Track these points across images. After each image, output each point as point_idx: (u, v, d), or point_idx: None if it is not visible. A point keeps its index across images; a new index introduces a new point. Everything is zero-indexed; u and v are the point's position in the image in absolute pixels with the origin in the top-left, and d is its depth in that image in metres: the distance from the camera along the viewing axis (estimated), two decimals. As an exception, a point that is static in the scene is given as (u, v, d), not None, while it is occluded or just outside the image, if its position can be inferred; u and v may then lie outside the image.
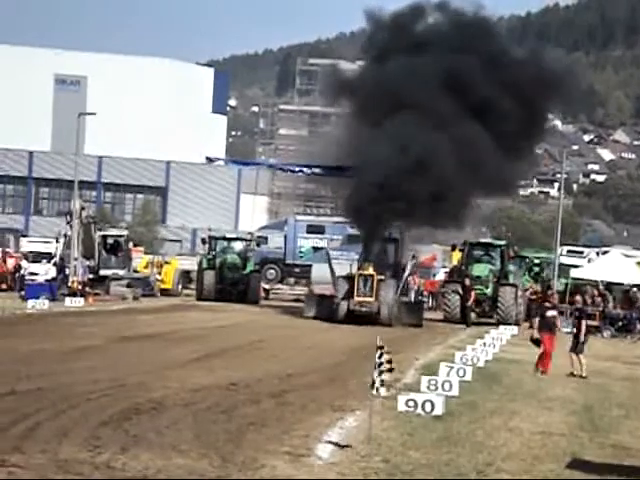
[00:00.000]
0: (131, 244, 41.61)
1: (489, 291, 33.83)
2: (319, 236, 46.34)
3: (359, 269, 30.27)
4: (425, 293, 42.66)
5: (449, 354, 19.46)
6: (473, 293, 32.91)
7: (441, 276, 43.05)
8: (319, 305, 30.92)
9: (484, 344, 20.55)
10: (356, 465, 8.90)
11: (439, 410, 11.77)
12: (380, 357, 9.89)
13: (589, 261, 42.39)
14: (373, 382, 9.95)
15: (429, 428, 11.00)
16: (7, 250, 44.93)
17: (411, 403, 11.81)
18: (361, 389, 13.12)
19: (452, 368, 15.15)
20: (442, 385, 13.48)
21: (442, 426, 11.20)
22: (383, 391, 10.05)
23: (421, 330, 29.18)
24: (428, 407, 11.74)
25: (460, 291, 33.14)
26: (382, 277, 30.25)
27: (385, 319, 29.33)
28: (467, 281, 33.07)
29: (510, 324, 30.05)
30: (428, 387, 13.40)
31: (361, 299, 29.39)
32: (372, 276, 29.70)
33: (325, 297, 31.49)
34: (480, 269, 34.17)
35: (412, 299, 34.94)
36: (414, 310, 31.56)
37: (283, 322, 29.00)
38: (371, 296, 29.41)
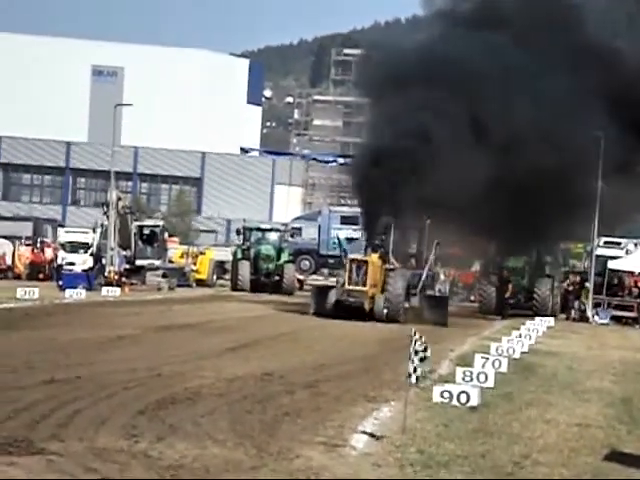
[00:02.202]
0: (166, 234, 41.89)
1: (525, 282, 33.63)
2: (353, 227, 46.33)
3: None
4: (460, 285, 42.50)
5: (484, 345, 19.38)
6: (510, 285, 32.73)
7: (477, 267, 42.86)
8: (319, 298, 27.02)
9: (520, 335, 20.44)
10: (391, 456, 8.90)
11: (474, 401, 11.73)
12: (415, 348, 9.87)
13: (627, 252, 41.94)
14: (410, 373, 9.92)
15: (464, 419, 10.96)
16: (45, 240, 45.42)
17: (446, 394, 11.79)
18: (395, 380, 13.11)
19: (487, 359, 15.08)
20: (477, 376, 13.43)
21: (477, 417, 11.16)
22: (416, 381, 10.02)
23: (455, 321, 28.95)
24: (463, 398, 11.71)
25: (496, 282, 32.97)
26: (392, 266, 26.78)
27: (379, 313, 25.52)
28: (504, 272, 32.90)
29: (546, 315, 29.85)
30: (463, 378, 13.36)
31: (351, 288, 25.68)
32: (366, 262, 25.99)
33: (326, 289, 27.79)
34: (516, 260, 33.98)
35: (439, 292, 31.55)
36: (438, 306, 27.31)
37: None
38: (364, 285, 25.69)
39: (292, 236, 42.97)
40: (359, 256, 26.54)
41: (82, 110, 73.32)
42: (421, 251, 29.58)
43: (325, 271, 47.00)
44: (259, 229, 41.19)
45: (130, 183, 70.67)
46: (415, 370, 9.87)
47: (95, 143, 69.09)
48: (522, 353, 18.40)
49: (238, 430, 9.46)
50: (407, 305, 26.47)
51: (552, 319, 28.91)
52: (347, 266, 26.14)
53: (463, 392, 11.78)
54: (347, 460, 8.62)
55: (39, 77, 71.85)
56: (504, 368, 15.12)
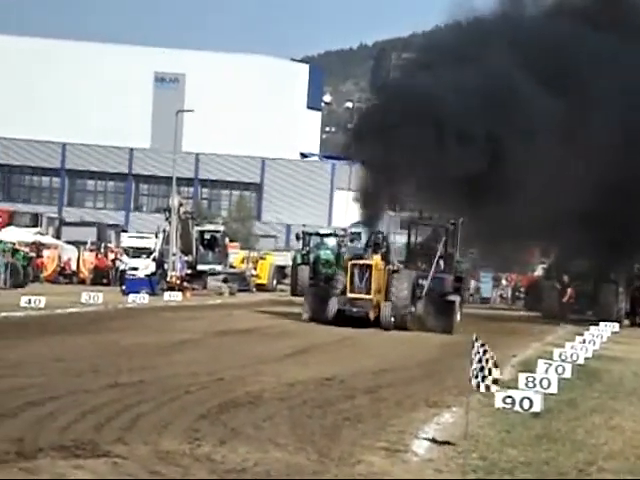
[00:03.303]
0: (227, 239, 42.23)
1: (588, 287, 33.14)
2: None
3: (354, 259, 24.22)
4: (522, 289, 42.08)
5: (547, 351, 19.13)
6: (570, 290, 32.30)
7: (539, 272, 42.39)
8: (315, 303, 24.28)
9: (583, 341, 20.14)
10: (453, 462, 8.84)
11: (537, 407, 11.59)
12: (478, 353, 9.79)
13: None
14: (476, 378, 9.85)
15: (527, 426, 10.84)
16: (108, 245, 46.13)
17: (508, 400, 11.66)
18: (457, 385, 13.02)
19: (550, 365, 14.88)
20: (540, 382, 13.27)
21: (541, 424, 11.03)
22: (483, 387, 9.94)
23: (517, 327, 28.56)
24: (526, 404, 11.58)
25: (558, 287, 32.59)
26: (395, 267, 24.47)
27: (387, 323, 23.16)
28: (565, 277, 32.49)
29: (611, 321, 29.39)
30: (526, 384, 13.21)
31: (354, 296, 23.39)
32: (369, 267, 23.47)
33: (323, 293, 24.48)
34: (579, 265, 33.54)
35: (445, 297, 25.46)
36: (444, 312, 24.26)
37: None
38: (368, 293, 23.30)
39: (351, 241, 42.94)
40: (361, 260, 23.97)
41: (145, 117, 74.34)
42: (450, 254, 26.65)
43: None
44: (318, 234, 41.32)
45: (191, 189, 71.41)
46: (477, 376, 9.79)
47: (157, 149, 69.99)
48: (586, 359, 18.13)
49: (299, 434, 9.48)
50: (413, 309, 24.14)
51: (617, 324, 28.44)
52: (348, 271, 23.62)
53: (526, 398, 11.65)
54: (409, 466, 8.58)
55: (103, 84, 73.02)
56: (568, 374, 14.90)
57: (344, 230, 45.06)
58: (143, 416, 9.91)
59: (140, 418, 9.79)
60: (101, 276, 41.81)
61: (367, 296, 23.36)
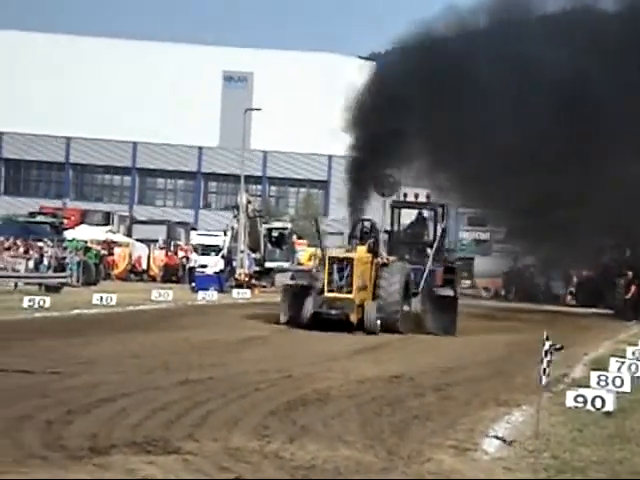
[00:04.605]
0: (295, 237, 42.41)
1: None
2: (481, 228, 45.72)
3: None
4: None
5: (620, 349, 18.77)
6: (634, 287, 31.65)
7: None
8: (293, 304, 21.09)
9: (658, 339, 19.72)
10: (524, 461, 8.74)
11: (610, 406, 11.39)
12: (548, 351, 9.66)
13: None
14: (541, 377, 9.74)
15: (599, 425, 10.66)
16: (178, 243, 46.73)
17: (580, 399, 11.49)
18: (527, 384, 12.87)
19: (623, 363, 14.60)
20: (613, 381, 13.04)
21: (613, 423, 10.84)
22: (546, 382, 9.81)
23: (588, 324, 28.09)
24: (598, 403, 11.39)
25: (622, 284, 32.02)
26: (385, 260, 21.17)
27: (372, 325, 19.90)
28: (629, 274, 31.82)
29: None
30: (598, 382, 12.98)
31: (333, 295, 20.02)
32: (350, 261, 20.14)
33: (302, 292, 20.97)
34: None
35: (445, 293, 22.30)
36: (445, 309, 21.31)
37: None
38: (349, 291, 20.01)
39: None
40: (340, 252, 21.20)
41: (214, 115, 74.99)
42: (440, 241, 23.45)
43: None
44: (385, 231, 41.18)
45: (259, 186, 71.84)
46: (546, 373, 9.67)
47: (226, 147, 70.58)
48: (660, 357, 17.74)
49: (368, 432, 9.47)
50: (407, 308, 20.95)
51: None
52: (326, 266, 20.19)
53: (598, 397, 11.46)
54: (479, 464, 8.51)
55: (173, 84, 73.88)
56: (641, 372, 14.61)
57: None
58: (213, 413, 10.01)
59: (210, 415, 9.88)
60: (171, 273, 42.40)
61: (347, 295, 19.92)
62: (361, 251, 20.84)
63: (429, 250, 22.86)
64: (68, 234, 40.98)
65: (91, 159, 71.39)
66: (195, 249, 42.28)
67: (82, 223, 47.65)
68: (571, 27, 28.55)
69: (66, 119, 67.18)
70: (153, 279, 42.02)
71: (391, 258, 21.78)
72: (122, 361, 13.90)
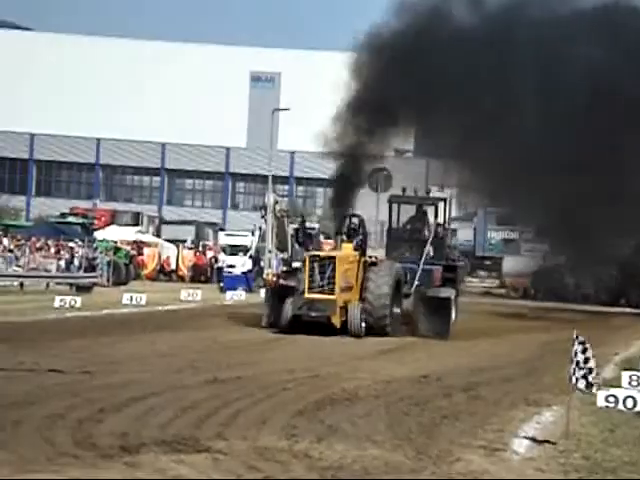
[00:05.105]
0: (322, 237, 42.37)
1: None
2: (510, 227, 45.47)
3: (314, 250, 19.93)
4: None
5: (651, 349, 18.65)
6: None
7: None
8: (275, 306, 19.83)
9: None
10: (554, 461, 8.69)
11: (641, 407, 11.30)
12: (580, 351, 9.60)
13: None
14: (571, 376, 9.67)
15: (631, 425, 10.58)
16: (207, 243, 46.91)
17: (611, 399, 11.40)
18: (557, 384, 12.78)
19: (655, 363, 14.49)
20: (644, 381, 12.92)
21: (645, 424, 10.75)
22: (583, 385, 9.74)
23: (620, 324, 27.84)
24: (630, 403, 11.30)
25: None
26: (374, 259, 20.07)
27: (356, 329, 18.73)
28: None
29: None
30: (629, 382, 12.86)
31: (313, 296, 18.79)
32: (332, 260, 18.97)
33: (284, 293, 19.74)
34: None
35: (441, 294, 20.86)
36: (437, 311, 20.02)
37: (471, 315, 28.62)
38: (331, 292, 18.77)
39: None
40: (322, 251, 20.16)
41: (241, 116, 75.20)
42: (442, 238, 22.12)
43: (482, 273, 46.42)
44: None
45: (287, 186, 71.93)
46: (575, 373, 9.60)
47: (253, 148, 70.75)
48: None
49: (396, 432, 9.46)
50: (397, 311, 19.65)
51: None
52: (306, 266, 19.04)
53: (629, 397, 11.36)
54: (509, 464, 8.48)
55: (200, 84, 74.19)
56: (673, 373, 14.47)
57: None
58: (242, 412, 10.04)
59: (239, 414, 9.92)
60: (199, 273, 42.55)
61: (329, 296, 18.66)
62: (346, 249, 19.78)
63: (430, 248, 21.73)
64: (98, 234, 41.25)
65: (121, 160, 71.86)
66: (223, 249, 42.37)
67: (112, 224, 47.96)
68: (604, 23, 28.33)
69: (96, 120, 67.65)
70: (182, 279, 42.21)
71: (380, 257, 20.71)
72: (151, 360, 13.98)
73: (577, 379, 9.67)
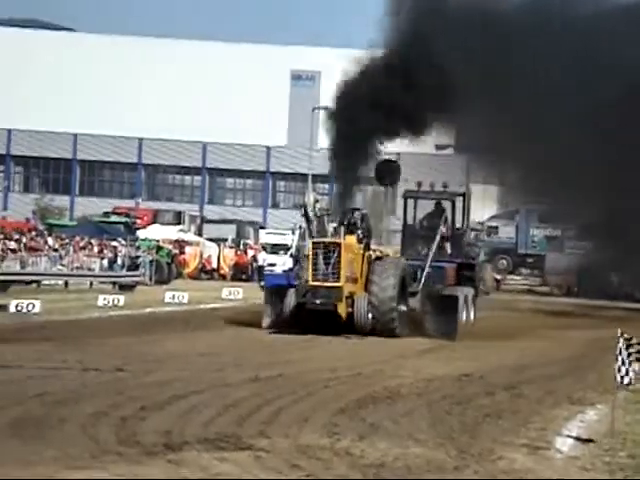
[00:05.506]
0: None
1: None
2: (552, 225, 45.06)
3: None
4: None
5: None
6: None
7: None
8: (275, 303, 18.99)
9: None
10: (599, 460, 8.59)
11: (688, 406, 11.13)
12: (627, 348, 9.48)
13: None
14: (616, 375, 9.56)
15: (677, 424, 10.43)
16: (247, 242, 47.10)
17: (657, 398, 11.25)
18: (602, 382, 12.64)
19: (701, 362, 14.24)
20: (690, 380, 12.71)
21: (691, 423, 10.59)
22: (627, 383, 9.62)
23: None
24: (676, 402, 11.14)
25: None
26: (379, 253, 19.26)
27: (362, 321, 17.87)
28: None
29: None
30: (675, 381, 12.68)
31: (317, 284, 17.84)
32: (337, 246, 18.15)
33: (284, 288, 18.93)
34: None
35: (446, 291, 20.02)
36: (444, 310, 19.07)
37: (515, 314, 28.44)
38: (336, 279, 17.87)
39: (489, 235, 42.36)
40: (327, 238, 19.03)
41: (282, 115, 75.36)
42: (460, 234, 21.60)
43: (523, 270, 46.07)
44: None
45: (327, 185, 71.94)
46: (619, 370, 9.49)
47: (293, 146, 70.87)
48: None
49: (438, 430, 9.42)
50: (404, 308, 18.76)
51: None
52: (310, 253, 18.31)
53: (676, 396, 11.20)
54: (552, 463, 8.40)
55: (241, 84, 74.48)
56: None
57: (481, 224, 44.47)
58: (283, 410, 10.06)
59: (280, 412, 9.94)
60: (241, 272, 42.73)
61: (334, 284, 17.71)
62: (350, 239, 18.85)
63: (447, 245, 21.01)
64: (141, 233, 41.61)
65: (162, 159, 72.39)
66: (264, 248, 42.52)
67: (154, 223, 48.35)
68: None
69: (139, 120, 68.21)
70: (223, 278, 42.41)
71: (385, 252, 19.93)
72: (193, 358, 14.06)
73: (622, 377, 9.56)
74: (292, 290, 18.24)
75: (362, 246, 18.87)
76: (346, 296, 17.93)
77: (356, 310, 17.88)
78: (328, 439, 8.68)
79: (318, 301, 17.69)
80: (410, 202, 23.25)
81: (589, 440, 9.33)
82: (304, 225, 35.76)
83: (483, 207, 66.91)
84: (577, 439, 9.39)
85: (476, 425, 9.84)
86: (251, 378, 12.08)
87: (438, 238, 20.38)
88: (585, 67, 25.71)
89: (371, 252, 19.02)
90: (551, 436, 9.46)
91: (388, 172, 23.35)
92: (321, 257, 18.06)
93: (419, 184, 23.36)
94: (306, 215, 20.65)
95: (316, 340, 17.68)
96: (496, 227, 46.82)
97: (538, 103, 25.41)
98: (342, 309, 17.84)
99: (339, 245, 18.26)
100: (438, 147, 78.18)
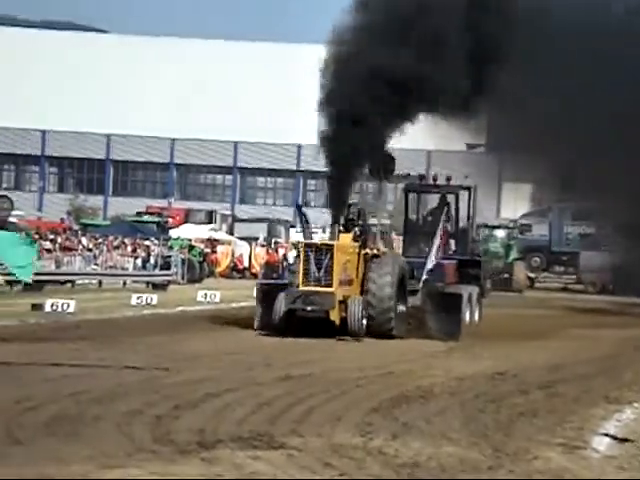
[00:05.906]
0: (394, 234, 42.22)
1: None
2: (587, 222, 44.68)
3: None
4: None
5: None
6: None
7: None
8: (266, 306, 17.74)
9: None
10: (636, 459, 8.48)
11: None
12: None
13: None
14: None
15: None
16: (278, 241, 47.17)
17: (694, 397, 11.11)
18: (638, 381, 12.53)
19: None
20: None
21: None
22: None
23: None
24: None
25: None
26: (375, 251, 18.13)
27: (356, 327, 16.78)
28: None
29: None
30: None
31: (308, 288, 16.93)
32: (330, 248, 17.18)
33: (275, 291, 17.78)
34: None
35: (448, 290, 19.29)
36: (447, 309, 18.11)
37: (548, 311, 28.25)
38: (328, 284, 16.93)
39: (522, 233, 42.14)
40: (319, 239, 18.18)
41: (312, 114, 75.37)
42: (464, 230, 20.87)
43: (557, 268, 45.74)
44: (486, 226, 40.75)
45: (357, 183, 71.85)
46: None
47: (324, 145, 70.85)
48: None
49: (472, 429, 9.36)
50: (402, 308, 17.76)
51: None
52: (301, 256, 17.35)
53: None
54: (589, 462, 8.31)
55: (270, 83, 74.62)
56: None
57: (513, 222, 44.21)
58: (315, 409, 10.05)
59: (313, 411, 9.93)
60: (272, 270, 42.72)
61: (327, 289, 16.80)
62: (344, 238, 17.79)
63: (452, 241, 20.32)
64: (173, 233, 41.82)
65: (194, 159, 72.75)
66: (295, 246, 42.51)
67: (186, 222, 48.59)
68: None
69: (171, 121, 68.60)
70: (255, 276, 42.45)
71: (383, 249, 19.05)
72: (225, 357, 14.10)
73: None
74: (282, 295, 17.09)
75: (358, 244, 17.80)
76: (339, 300, 16.99)
77: (349, 315, 16.84)
78: (361, 438, 8.65)
79: (309, 308, 16.75)
80: (411, 200, 22.53)
81: (626, 439, 9.23)
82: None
83: (515, 205, 66.73)
84: (614, 438, 9.29)
85: (510, 424, 9.77)
86: (282, 377, 12.08)
87: (439, 234, 19.57)
88: (620, 66, 25.40)
89: (368, 250, 17.93)
90: (587, 435, 9.36)
91: (382, 165, 21.79)
92: (313, 260, 17.07)
93: (421, 177, 22.83)
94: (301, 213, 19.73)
95: (345, 339, 17.62)
96: (529, 225, 46.52)
97: (572, 101, 25.17)
98: (335, 315, 16.89)
99: (332, 247, 17.25)
100: (469, 146, 77.84)
